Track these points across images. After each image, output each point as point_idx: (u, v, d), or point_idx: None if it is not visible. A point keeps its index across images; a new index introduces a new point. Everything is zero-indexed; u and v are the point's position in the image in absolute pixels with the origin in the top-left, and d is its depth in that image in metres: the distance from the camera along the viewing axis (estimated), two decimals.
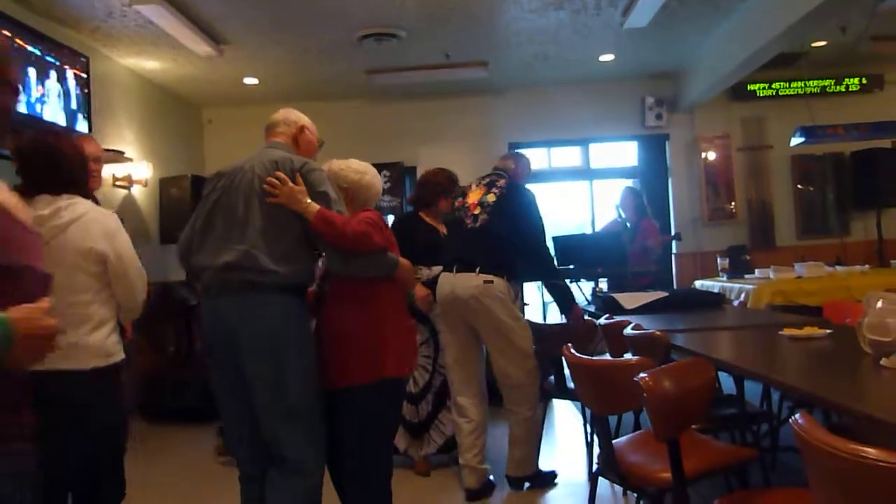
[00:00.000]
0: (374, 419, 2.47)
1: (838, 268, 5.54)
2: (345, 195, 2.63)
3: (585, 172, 8.27)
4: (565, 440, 4.60)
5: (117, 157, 5.94)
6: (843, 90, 7.83)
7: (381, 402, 2.47)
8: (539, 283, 3.98)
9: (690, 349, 2.53)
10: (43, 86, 4.78)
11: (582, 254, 5.36)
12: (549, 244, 4.20)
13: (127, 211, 6.22)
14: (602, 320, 3.41)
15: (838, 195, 7.97)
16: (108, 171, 5.94)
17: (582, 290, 5.67)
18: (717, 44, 6.56)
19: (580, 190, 8.33)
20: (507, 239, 3.49)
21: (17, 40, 4.57)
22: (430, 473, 3.97)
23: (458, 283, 3.47)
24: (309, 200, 2.36)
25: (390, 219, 6.88)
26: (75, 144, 2.39)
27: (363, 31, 5.84)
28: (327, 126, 7.26)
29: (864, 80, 7.80)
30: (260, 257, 2.30)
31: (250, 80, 7.13)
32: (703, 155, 7.98)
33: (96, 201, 2.57)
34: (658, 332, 2.64)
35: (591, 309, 4.50)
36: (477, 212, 3.58)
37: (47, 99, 4.83)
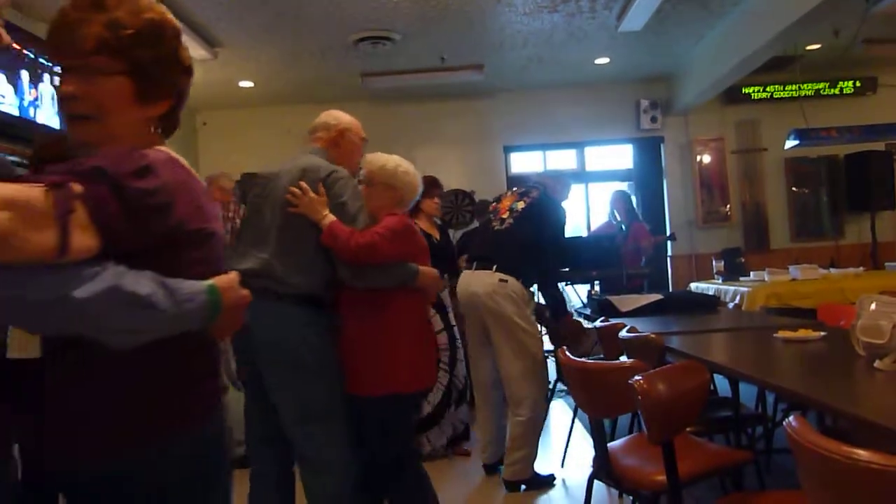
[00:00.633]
0: (385, 429, 2.45)
1: (832, 270, 5.55)
2: (368, 192, 2.57)
3: (580, 175, 8.28)
4: (563, 442, 4.60)
5: None
6: (837, 93, 7.87)
7: (391, 416, 2.44)
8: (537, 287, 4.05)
9: (685, 352, 2.53)
10: (36, 89, 4.76)
11: (576, 256, 5.37)
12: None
13: None
14: (597, 323, 3.41)
15: (832, 198, 8.00)
16: None
17: (577, 293, 5.68)
18: (710, 47, 6.58)
19: (575, 193, 8.32)
20: (527, 245, 3.64)
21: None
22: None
23: (474, 279, 3.63)
24: (326, 212, 2.37)
25: None
26: None
27: (358, 35, 5.84)
28: None
29: (857, 83, 7.84)
30: (277, 267, 2.33)
31: (245, 83, 7.12)
32: (698, 158, 8.00)
33: None
34: (653, 335, 2.64)
35: (587, 312, 4.50)
36: (505, 216, 3.77)
37: (40, 102, 4.81)
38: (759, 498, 1.96)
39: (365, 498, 2.45)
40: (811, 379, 2.14)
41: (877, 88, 7.87)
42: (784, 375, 2.20)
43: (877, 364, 1.91)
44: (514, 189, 4.00)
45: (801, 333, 2.56)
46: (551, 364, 5.92)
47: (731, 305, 5.07)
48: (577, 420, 4.54)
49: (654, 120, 7.90)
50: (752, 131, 8.05)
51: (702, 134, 8.01)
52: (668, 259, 7.98)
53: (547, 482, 3.73)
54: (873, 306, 2.04)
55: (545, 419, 3.86)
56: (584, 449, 4.25)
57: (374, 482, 2.48)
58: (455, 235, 6.01)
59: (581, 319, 4.45)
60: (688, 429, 2.39)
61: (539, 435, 3.74)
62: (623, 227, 6.15)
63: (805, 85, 7.77)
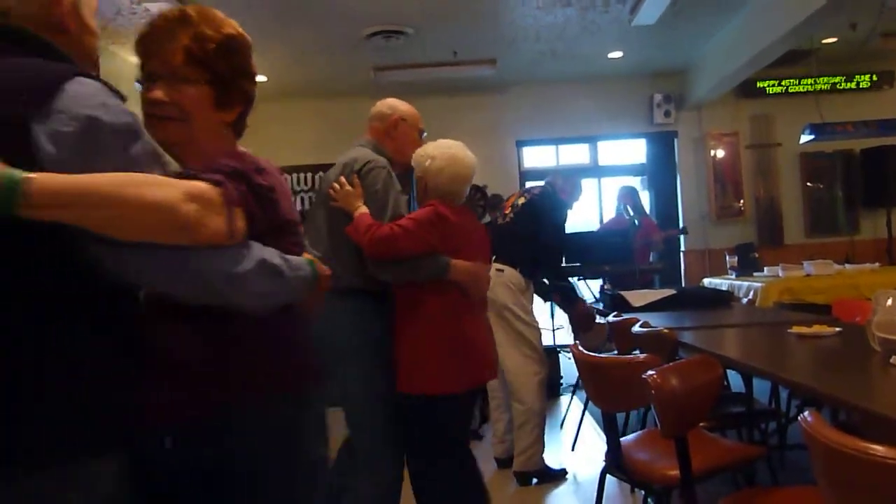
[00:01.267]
0: (414, 429, 2.39)
1: (847, 266, 5.51)
2: (419, 185, 2.52)
3: (594, 170, 8.25)
4: (575, 437, 4.60)
5: None
6: (854, 87, 7.78)
7: (425, 416, 2.35)
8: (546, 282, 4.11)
9: (698, 347, 2.52)
10: None
11: (587, 251, 5.36)
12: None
13: None
14: (610, 318, 3.41)
15: (847, 193, 7.92)
16: None
17: (590, 288, 5.67)
18: (725, 41, 6.53)
19: (588, 187, 8.30)
20: (525, 237, 3.75)
21: None
22: None
23: None
24: (359, 204, 2.33)
25: None
26: None
27: (371, 29, 5.84)
28: (334, 123, 7.34)
29: (874, 77, 7.75)
30: (332, 265, 2.30)
31: (258, 77, 7.12)
32: (712, 152, 7.94)
33: None
34: (665, 330, 2.63)
35: (600, 307, 4.50)
36: (507, 211, 3.93)
37: None
38: (771, 494, 1.95)
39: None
40: (826, 374, 2.13)
41: (894, 82, 7.78)
42: (798, 371, 2.19)
43: (893, 360, 1.90)
44: (527, 187, 4.20)
45: (816, 329, 2.55)
46: (564, 359, 5.94)
47: (744, 301, 5.04)
48: (588, 414, 4.54)
49: (667, 114, 7.85)
50: (767, 126, 7.98)
51: (715, 128, 7.95)
52: (682, 254, 7.94)
53: (558, 476, 3.74)
54: (889, 302, 2.03)
55: (546, 409, 3.84)
56: (595, 443, 4.25)
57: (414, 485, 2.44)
58: None
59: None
60: (701, 424, 2.38)
61: (543, 425, 3.75)
62: (636, 221, 6.14)
63: (820, 79, 7.68)
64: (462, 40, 6.30)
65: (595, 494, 2.36)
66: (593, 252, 5.39)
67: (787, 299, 4.70)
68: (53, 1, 1.12)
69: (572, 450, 4.08)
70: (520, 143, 8.07)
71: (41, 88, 0.98)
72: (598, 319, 4.31)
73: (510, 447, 3.86)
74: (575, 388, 5.22)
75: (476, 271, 2.41)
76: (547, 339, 5.60)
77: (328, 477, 1.47)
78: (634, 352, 2.89)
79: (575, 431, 4.36)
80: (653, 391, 1.75)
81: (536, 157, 8.28)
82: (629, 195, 6.29)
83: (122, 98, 1.10)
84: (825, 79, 7.69)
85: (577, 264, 5.40)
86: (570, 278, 4.41)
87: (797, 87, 7.77)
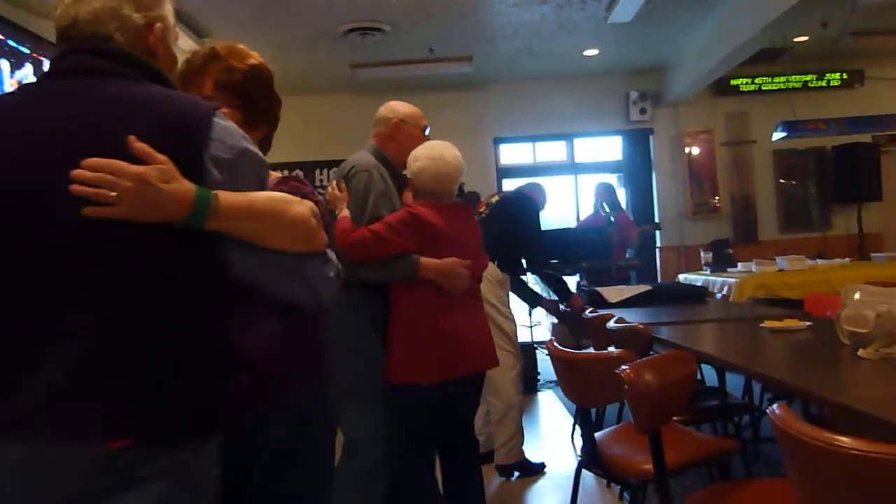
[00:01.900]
0: (394, 417, 2.48)
1: (819, 261, 5.59)
2: (411, 186, 2.60)
3: (570, 167, 8.29)
4: (553, 432, 4.63)
5: None
6: (825, 85, 7.89)
7: (391, 404, 2.46)
8: (536, 276, 4.20)
9: (673, 342, 2.55)
10: (17, 78, 4.72)
11: (565, 248, 5.39)
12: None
13: None
14: (586, 314, 3.43)
15: (820, 189, 8.04)
16: None
17: (566, 284, 5.70)
18: (700, 39, 6.59)
19: (565, 184, 8.35)
20: (502, 234, 3.81)
21: None
22: None
23: None
24: (342, 206, 2.45)
25: None
26: None
27: (347, 25, 5.81)
28: (312, 120, 7.29)
29: (844, 76, 7.87)
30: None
31: None
32: (687, 150, 8.02)
33: None
34: (640, 325, 2.66)
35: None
36: (482, 209, 4.06)
37: None
38: (744, 486, 1.98)
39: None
40: (796, 368, 2.16)
41: (864, 81, 7.90)
42: (770, 365, 2.22)
43: (860, 353, 1.93)
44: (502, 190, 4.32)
45: (787, 323, 2.58)
46: (542, 355, 5.97)
47: (719, 296, 5.10)
48: (565, 410, 4.57)
49: (643, 112, 7.91)
50: (741, 123, 8.07)
51: (691, 126, 8.02)
52: (658, 250, 8.01)
53: (538, 469, 3.77)
54: (857, 296, 2.07)
55: (523, 403, 3.92)
56: (569, 438, 4.27)
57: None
58: None
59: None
60: (675, 418, 2.41)
61: (521, 417, 3.79)
62: (612, 218, 6.18)
63: (793, 77, 7.78)
64: (439, 37, 6.29)
65: (571, 489, 2.37)
66: (570, 249, 5.42)
67: (761, 294, 4.76)
68: (147, 29, 1.22)
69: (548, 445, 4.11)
70: (497, 141, 8.09)
71: (202, 120, 1.14)
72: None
73: (487, 441, 3.88)
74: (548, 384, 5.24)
75: (448, 268, 2.43)
76: (524, 336, 5.63)
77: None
78: (610, 347, 2.91)
79: (552, 427, 4.38)
80: (626, 386, 1.77)
81: (513, 154, 8.31)
82: (605, 192, 6.34)
83: None
84: (798, 77, 7.80)
85: (555, 261, 5.43)
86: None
87: (770, 85, 7.86)
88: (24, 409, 1.04)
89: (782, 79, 7.77)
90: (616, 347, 2.77)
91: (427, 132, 2.72)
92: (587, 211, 7.31)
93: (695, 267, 6.88)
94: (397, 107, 2.69)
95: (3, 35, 4.64)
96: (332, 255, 1.35)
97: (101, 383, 1.05)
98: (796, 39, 6.90)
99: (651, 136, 8.10)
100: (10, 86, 4.67)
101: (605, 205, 6.23)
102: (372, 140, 2.67)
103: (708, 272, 5.90)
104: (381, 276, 2.44)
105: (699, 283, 5.39)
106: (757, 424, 3.59)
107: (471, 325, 2.54)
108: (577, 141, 8.28)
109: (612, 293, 4.08)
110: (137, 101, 1.12)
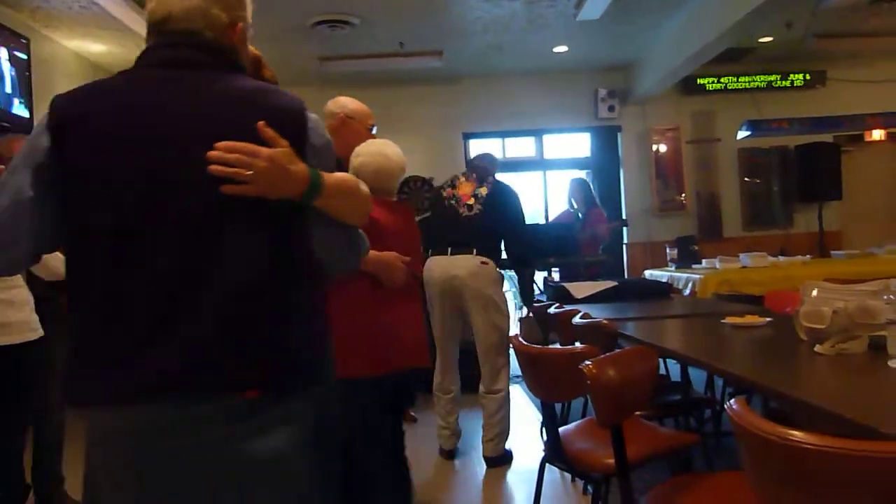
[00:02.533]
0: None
1: (781, 258, 5.70)
2: None
3: (539, 163, 8.33)
4: (520, 427, 4.65)
5: None
6: (789, 85, 8.03)
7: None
8: (514, 271, 4.27)
9: (637, 338, 2.57)
10: None
11: (535, 244, 5.41)
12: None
13: None
14: (552, 309, 3.45)
15: (783, 188, 8.19)
16: None
17: (535, 280, 5.72)
18: (668, 37, 6.66)
19: (534, 180, 8.39)
20: (497, 230, 3.92)
21: None
22: None
23: (455, 262, 3.80)
24: None
25: None
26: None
27: (316, 18, 5.76)
28: None
29: (807, 76, 8.02)
30: None
31: None
32: (654, 147, 8.11)
33: None
34: (605, 321, 2.68)
35: (544, 298, 4.55)
36: (471, 202, 3.92)
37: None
38: (703, 479, 2.01)
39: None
40: (756, 363, 2.20)
41: (826, 82, 8.07)
42: (731, 360, 2.25)
43: (817, 348, 1.97)
44: (467, 173, 4.10)
45: (748, 319, 2.63)
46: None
47: (686, 292, 5.17)
48: (532, 405, 4.59)
49: (611, 109, 7.98)
50: (707, 121, 8.18)
51: (658, 123, 8.11)
52: (624, 247, 8.09)
53: (512, 457, 3.92)
54: (815, 293, 2.10)
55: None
56: (536, 433, 4.30)
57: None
58: None
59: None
60: (638, 413, 2.44)
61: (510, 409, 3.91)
62: (580, 214, 6.22)
63: (758, 77, 7.92)
64: (409, 31, 6.27)
65: (535, 484, 2.39)
66: (539, 244, 5.45)
67: (725, 290, 4.83)
68: (232, 27, 1.33)
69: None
70: (466, 136, 8.09)
71: (302, 112, 1.31)
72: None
73: (455, 440, 3.99)
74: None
75: (387, 261, 2.44)
76: None
77: None
78: (577, 343, 2.93)
79: (520, 422, 4.40)
80: (589, 381, 1.78)
81: (483, 149, 8.27)
82: (579, 188, 6.34)
83: None
84: (762, 77, 7.93)
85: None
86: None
87: (736, 85, 7.98)
88: (171, 367, 1.16)
89: (747, 78, 7.90)
90: (582, 343, 2.79)
91: (374, 131, 2.74)
92: (556, 207, 7.36)
93: (661, 263, 6.97)
94: (346, 102, 2.69)
95: None
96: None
97: (233, 343, 1.19)
98: (761, 40, 7.01)
99: (619, 133, 8.18)
100: None
101: (573, 201, 6.28)
102: None
103: (673, 268, 5.98)
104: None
105: (665, 280, 5.45)
106: (718, 418, 3.65)
107: (407, 323, 2.54)
108: (546, 137, 8.32)
109: (579, 289, 4.11)
110: (248, 91, 1.27)
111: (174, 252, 1.18)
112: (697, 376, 3.30)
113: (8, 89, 4.95)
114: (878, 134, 7.94)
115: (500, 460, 3.85)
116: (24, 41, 5.15)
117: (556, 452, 2.29)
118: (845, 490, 1.08)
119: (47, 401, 2.97)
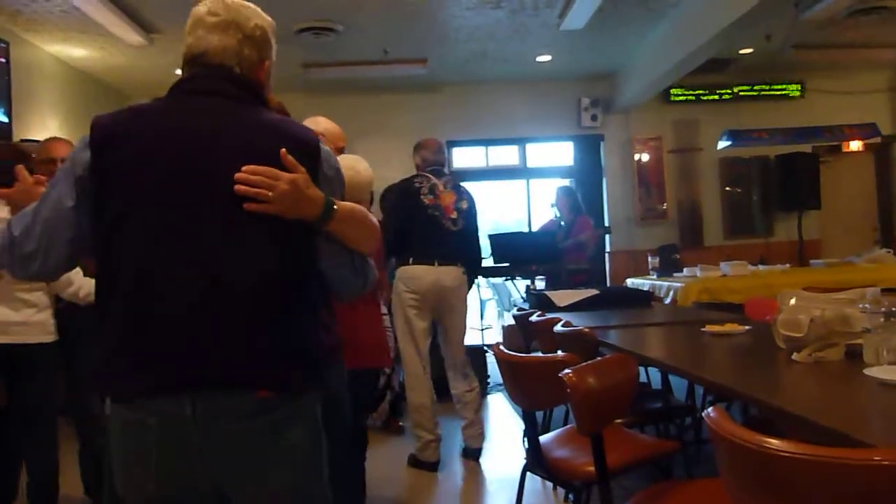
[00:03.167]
0: None
1: (761, 267, 5.75)
2: None
3: (522, 171, 8.36)
4: (502, 435, 4.65)
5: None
6: (768, 96, 8.14)
7: None
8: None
9: (617, 346, 2.58)
10: None
11: (517, 252, 5.43)
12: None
13: None
14: (534, 318, 3.45)
15: (763, 197, 8.29)
16: None
17: (517, 288, 5.74)
18: (650, 47, 6.73)
19: (517, 189, 8.42)
20: (474, 242, 4.18)
21: None
22: None
23: (442, 274, 3.95)
24: None
25: None
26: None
27: (300, 24, 5.76)
28: None
29: (787, 87, 8.13)
30: None
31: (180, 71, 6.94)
32: (637, 156, 8.17)
33: None
34: (586, 329, 2.69)
35: (526, 307, 4.55)
36: (454, 216, 4.04)
37: None
38: (684, 486, 2.02)
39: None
40: (735, 371, 2.21)
41: (805, 93, 8.18)
42: (710, 368, 2.27)
43: (795, 356, 1.99)
44: (444, 182, 4.11)
45: (728, 328, 2.64)
46: (492, 358, 5.99)
47: (667, 300, 5.19)
48: (514, 412, 4.59)
49: (594, 118, 8.03)
50: (689, 131, 8.26)
51: (641, 133, 8.18)
52: (607, 255, 8.13)
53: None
54: (793, 301, 2.13)
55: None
56: (518, 441, 4.30)
57: None
58: None
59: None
60: (619, 420, 2.44)
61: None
62: (563, 223, 6.24)
63: (738, 88, 8.02)
64: (393, 39, 6.29)
65: (516, 492, 2.39)
66: (522, 253, 5.46)
67: (705, 299, 4.88)
68: (260, 64, 1.50)
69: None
70: (450, 144, 8.09)
71: (316, 144, 1.44)
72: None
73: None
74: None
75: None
76: (475, 339, 5.65)
77: None
78: (559, 351, 2.93)
79: (501, 429, 4.41)
80: (569, 389, 1.78)
81: (466, 157, 8.33)
82: (563, 196, 6.35)
83: None
84: (742, 88, 8.03)
85: (507, 264, 5.47)
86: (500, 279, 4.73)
87: (717, 95, 8.07)
88: (191, 367, 1.29)
89: (728, 89, 7.99)
90: (563, 351, 2.79)
91: (343, 154, 2.83)
92: (539, 215, 7.38)
93: (643, 271, 7.00)
94: (319, 121, 2.78)
95: None
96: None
97: (247, 347, 1.31)
98: (742, 51, 7.10)
99: (602, 142, 8.23)
100: None
101: (558, 209, 6.29)
102: None
103: (655, 277, 6.01)
104: None
105: (646, 288, 5.48)
106: (699, 426, 3.67)
107: (369, 326, 2.72)
108: (529, 146, 8.36)
109: (561, 297, 4.12)
110: (272, 122, 1.43)
111: (198, 261, 1.30)
112: (678, 384, 3.31)
113: None
114: (855, 145, 8.06)
115: (480, 452, 4.05)
116: (3, 45, 5.10)
117: (536, 461, 2.29)
118: (821, 497, 1.09)
119: (49, 402, 2.99)
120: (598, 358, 2.27)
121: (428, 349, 4.01)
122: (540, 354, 3.14)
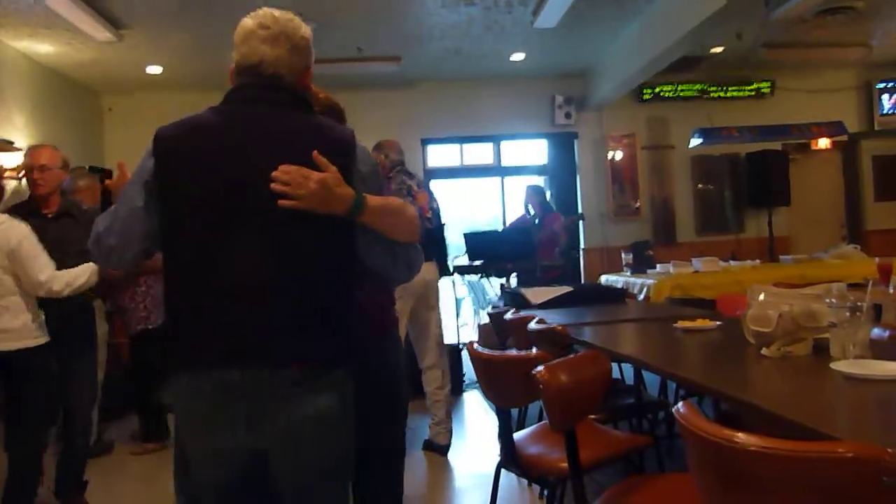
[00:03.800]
0: None
1: (732, 263, 5.83)
2: None
3: (497, 169, 8.38)
4: (477, 432, 4.66)
5: (5, 146, 5.57)
6: (738, 94, 8.24)
7: None
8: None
9: (591, 342, 2.60)
10: None
11: (492, 250, 5.44)
12: None
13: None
14: (508, 315, 3.46)
15: (734, 194, 8.39)
16: None
17: (492, 286, 5.75)
18: (624, 45, 6.77)
19: (492, 186, 8.43)
20: (441, 241, 4.43)
21: None
22: None
23: (426, 269, 4.12)
24: None
25: None
26: None
27: None
28: None
29: (757, 86, 8.24)
30: None
31: (153, 69, 6.85)
32: (610, 153, 8.22)
33: None
34: (559, 327, 2.70)
35: (501, 304, 4.57)
36: (429, 215, 4.16)
37: None
38: (654, 480, 2.04)
39: None
40: (706, 367, 2.24)
41: (775, 91, 8.29)
42: (682, 364, 2.29)
43: (764, 351, 2.02)
44: (417, 182, 4.24)
45: (699, 323, 2.67)
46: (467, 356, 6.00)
47: (641, 297, 5.24)
48: (489, 410, 4.60)
49: (568, 116, 8.06)
50: (662, 129, 8.33)
51: (614, 130, 8.23)
52: (581, 252, 8.18)
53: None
54: (762, 297, 2.15)
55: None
56: (493, 438, 4.31)
57: None
58: None
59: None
60: (591, 416, 2.46)
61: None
62: (537, 220, 6.27)
63: (710, 86, 8.11)
64: (367, 36, 6.26)
65: (491, 489, 2.39)
66: (495, 250, 5.47)
67: (678, 294, 4.93)
68: (306, 73, 1.66)
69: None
70: (424, 142, 8.10)
71: (351, 143, 1.59)
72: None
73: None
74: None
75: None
76: (452, 337, 5.66)
77: None
78: (533, 348, 2.94)
79: (476, 427, 4.42)
80: (541, 386, 1.79)
81: (441, 155, 8.32)
82: (534, 194, 6.42)
83: None
84: (713, 87, 8.12)
85: (480, 262, 5.48)
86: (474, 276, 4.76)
87: (689, 93, 8.16)
88: (239, 344, 1.48)
89: (699, 87, 8.08)
90: (538, 348, 2.80)
91: None
92: (514, 213, 7.40)
93: (617, 268, 7.05)
94: None
95: None
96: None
97: (286, 325, 1.49)
98: (713, 49, 7.17)
99: (575, 140, 8.27)
100: None
101: (530, 206, 6.33)
102: None
103: (629, 273, 6.06)
104: None
105: (620, 285, 5.53)
106: (671, 421, 3.70)
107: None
108: (503, 143, 8.37)
109: (536, 294, 4.14)
110: (312, 126, 1.59)
111: (249, 252, 1.49)
112: (651, 379, 3.34)
113: None
114: (823, 142, 8.19)
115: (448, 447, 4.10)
116: None
117: (510, 458, 2.30)
118: (789, 491, 1.11)
119: (37, 406, 2.99)
120: (571, 355, 2.28)
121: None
122: (514, 352, 3.15)
